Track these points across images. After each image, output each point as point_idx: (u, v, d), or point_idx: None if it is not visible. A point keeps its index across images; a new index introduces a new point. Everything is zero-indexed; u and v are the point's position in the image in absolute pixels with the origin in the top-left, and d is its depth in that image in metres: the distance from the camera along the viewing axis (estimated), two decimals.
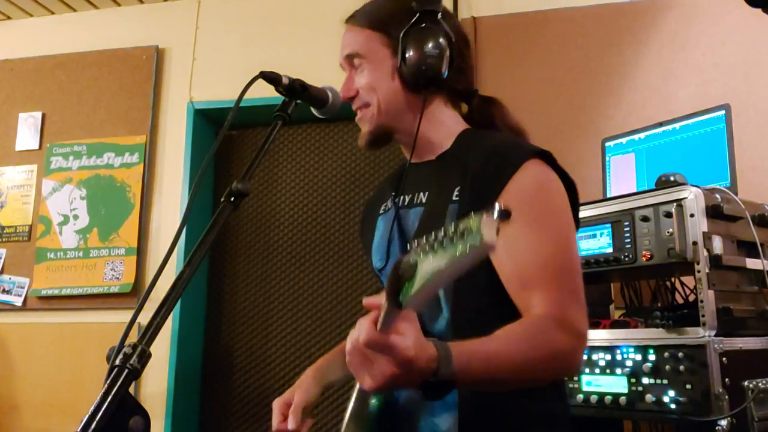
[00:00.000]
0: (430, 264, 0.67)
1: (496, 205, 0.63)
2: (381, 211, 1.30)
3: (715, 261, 1.56)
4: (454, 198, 1.10)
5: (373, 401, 1.09)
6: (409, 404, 1.12)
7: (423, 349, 0.80)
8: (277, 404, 1.21)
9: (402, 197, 1.23)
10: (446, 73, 1.14)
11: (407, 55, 1.13)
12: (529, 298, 1.00)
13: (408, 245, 1.16)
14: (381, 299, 0.78)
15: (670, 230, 1.59)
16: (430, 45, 1.13)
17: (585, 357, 1.73)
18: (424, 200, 1.18)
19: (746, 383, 1.49)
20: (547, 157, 1.09)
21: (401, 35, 1.14)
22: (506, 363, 0.91)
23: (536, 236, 1.02)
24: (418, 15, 1.14)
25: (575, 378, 1.74)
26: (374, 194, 1.42)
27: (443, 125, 1.20)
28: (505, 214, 0.62)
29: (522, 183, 1.04)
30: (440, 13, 1.15)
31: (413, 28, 1.14)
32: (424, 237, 0.68)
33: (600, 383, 1.69)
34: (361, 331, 0.79)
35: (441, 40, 1.14)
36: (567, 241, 1.05)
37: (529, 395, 1.05)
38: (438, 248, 0.66)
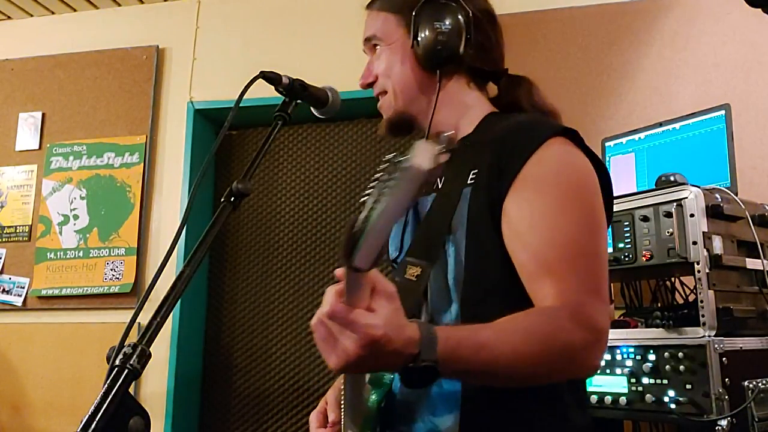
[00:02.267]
0: (377, 210, 0.62)
1: (441, 133, 0.61)
2: None
3: (715, 261, 1.56)
4: (469, 181, 1.02)
5: (373, 397, 1.02)
6: (408, 400, 1.03)
7: (400, 330, 0.72)
8: (313, 417, 1.13)
9: None
10: (462, 50, 1.08)
11: (420, 34, 1.08)
12: (543, 286, 0.90)
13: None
14: None
15: (670, 230, 1.59)
16: (443, 21, 1.07)
17: None
18: (440, 186, 1.09)
19: (746, 383, 1.49)
20: (573, 135, 1.01)
21: (413, 13, 1.09)
22: (503, 355, 0.81)
23: (556, 219, 0.93)
24: None
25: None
26: None
27: (466, 108, 1.13)
28: (445, 139, 0.61)
29: (542, 161, 0.96)
30: None
31: (426, 5, 1.09)
32: (376, 185, 0.64)
33: (600, 383, 1.69)
34: (326, 301, 0.72)
35: (456, 16, 1.08)
36: (591, 224, 0.94)
37: (541, 398, 0.95)
38: (385, 191, 0.62)
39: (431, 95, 1.11)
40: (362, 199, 0.64)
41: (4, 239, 3.32)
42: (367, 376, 1.03)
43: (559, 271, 0.90)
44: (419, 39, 1.09)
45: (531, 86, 1.18)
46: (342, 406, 1.03)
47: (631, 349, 1.63)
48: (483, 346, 0.80)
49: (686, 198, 1.58)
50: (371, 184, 0.64)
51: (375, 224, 0.62)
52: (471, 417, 0.96)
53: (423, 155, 0.60)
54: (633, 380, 1.61)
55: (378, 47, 1.15)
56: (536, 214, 0.94)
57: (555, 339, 0.85)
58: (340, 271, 0.73)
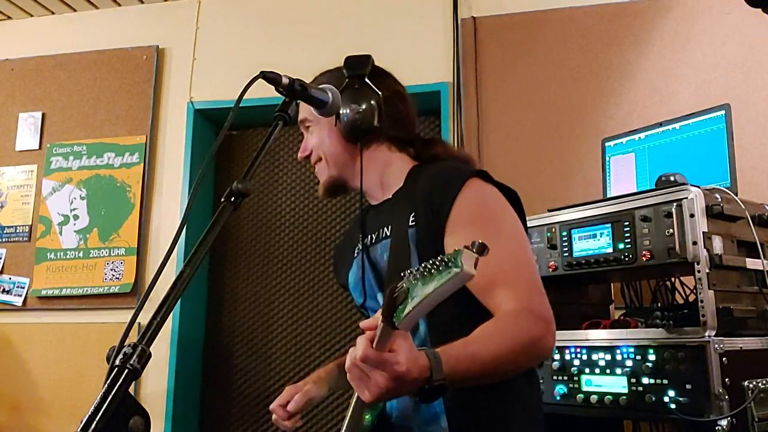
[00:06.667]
0: (420, 289, 0.78)
1: (476, 242, 0.75)
2: (355, 254, 1.43)
3: (715, 261, 1.56)
4: (410, 223, 1.24)
5: (368, 417, 1.16)
6: (403, 416, 1.24)
7: (415, 361, 0.89)
8: (288, 388, 1.39)
9: (369, 236, 1.38)
10: (377, 124, 1.31)
11: (341, 114, 1.31)
12: (496, 296, 1.11)
13: (383, 277, 1.31)
14: (377, 321, 0.89)
15: (670, 230, 1.59)
16: (358, 103, 1.31)
17: (584, 357, 1.73)
18: (388, 233, 1.31)
19: (746, 383, 1.49)
20: (485, 175, 1.25)
21: None
22: (490, 358, 1.00)
23: (490, 241, 1.08)
24: (347, 80, 1.33)
25: (575, 378, 1.74)
26: (343, 238, 1.59)
27: (392, 167, 1.36)
28: (482, 248, 0.76)
29: (467, 199, 1.19)
30: (367, 76, 1.34)
31: (345, 90, 1.30)
32: (417, 266, 0.80)
33: (600, 383, 1.69)
34: (358, 348, 0.89)
35: (369, 98, 1.32)
36: (518, 240, 1.19)
37: (508, 390, 1.18)
38: (427, 275, 0.78)
39: (357, 162, 1.36)
40: (411, 271, 0.81)
41: (4, 239, 3.32)
42: None
43: (506, 282, 1.12)
44: (340, 119, 1.32)
45: (444, 143, 1.45)
46: (344, 428, 1.16)
47: (631, 349, 1.63)
48: (475, 357, 0.98)
49: (686, 198, 1.58)
50: (424, 264, 0.80)
51: (422, 305, 0.78)
52: (456, 420, 1.16)
53: (470, 263, 0.74)
54: (633, 380, 1.61)
55: (310, 127, 1.40)
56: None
57: (522, 336, 1.05)
58: (364, 323, 0.93)
